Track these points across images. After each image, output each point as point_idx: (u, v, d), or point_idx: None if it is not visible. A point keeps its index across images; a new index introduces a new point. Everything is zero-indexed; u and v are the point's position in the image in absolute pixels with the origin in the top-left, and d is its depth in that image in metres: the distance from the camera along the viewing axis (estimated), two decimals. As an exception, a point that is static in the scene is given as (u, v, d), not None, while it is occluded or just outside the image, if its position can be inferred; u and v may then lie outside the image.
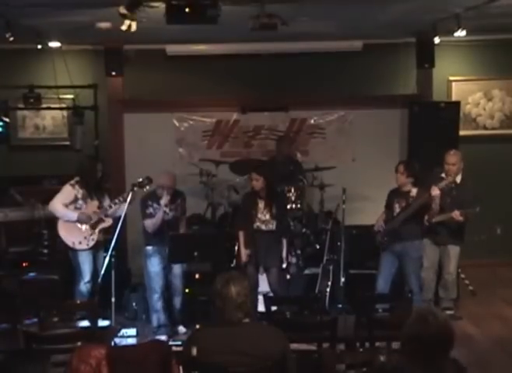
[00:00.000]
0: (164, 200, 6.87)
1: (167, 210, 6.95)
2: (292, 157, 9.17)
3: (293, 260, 7.91)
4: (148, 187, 6.99)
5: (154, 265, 6.99)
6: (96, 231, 7.06)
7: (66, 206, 7.00)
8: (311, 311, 6.24)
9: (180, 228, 7.17)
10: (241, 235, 7.05)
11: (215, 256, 7.07)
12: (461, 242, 7.42)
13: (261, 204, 6.98)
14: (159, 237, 6.90)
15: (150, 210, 6.95)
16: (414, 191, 6.89)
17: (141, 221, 7.13)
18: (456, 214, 7.02)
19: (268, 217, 6.97)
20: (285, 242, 7.07)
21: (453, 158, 7.26)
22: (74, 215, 6.99)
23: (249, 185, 7.09)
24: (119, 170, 9.24)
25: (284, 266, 7.05)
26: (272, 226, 6.98)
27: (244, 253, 7.01)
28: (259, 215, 6.97)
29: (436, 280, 7.46)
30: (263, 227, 6.98)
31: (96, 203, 7.10)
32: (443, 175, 7.31)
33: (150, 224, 6.94)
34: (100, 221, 7.09)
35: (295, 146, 9.53)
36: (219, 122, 9.66)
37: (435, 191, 6.80)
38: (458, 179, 7.25)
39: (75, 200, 7.03)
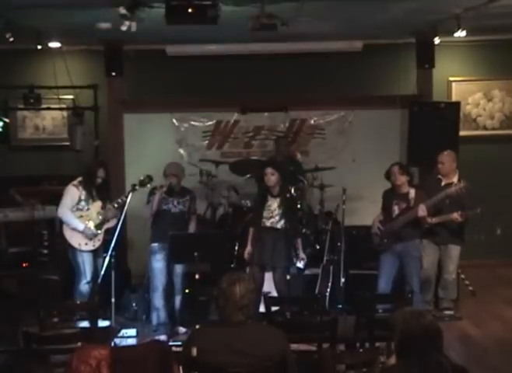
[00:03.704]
0: (165, 182, 6.92)
1: (175, 202, 7.00)
2: (292, 157, 9.17)
3: (293, 260, 7.90)
4: (149, 186, 7.01)
5: (158, 261, 7.01)
6: (102, 231, 7.07)
7: (72, 211, 7.03)
8: (311, 311, 6.24)
9: (189, 226, 7.19)
10: (251, 231, 7.05)
11: (215, 256, 7.07)
12: (461, 241, 7.42)
13: (271, 201, 6.97)
14: (165, 234, 6.90)
15: (153, 196, 6.99)
16: (412, 192, 6.88)
17: (142, 222, 7.16)
18: (456, 217, 7.02)
19: (276, 214, 6.96)
20: (299, 241, 7.06)
21: (442, 157, 7.30)
22: (81, 226, 7.00)
23: (264, 181, 7.02)
24: (119, 170, 9.24)
25: (301, 265, 7.04)
26: (279, 224, 6.97)
27: (247, 252, 7.01)
28: (267, 212, 6.95)
29: (435, 281, 7.46)
30: (268, 224, 6.97)
31: (99, 203, 7.11)
32: (439, 176, 7.33)
33: (146, 208, 6.99)
34: (105, 221, 7.10)
35: (295, 146, 9.53)
36: (219, 122, 9.66)
37: (422, 212, 6.75)
38: (455, 179, 7.25)
39: (79, 200, 7.04)
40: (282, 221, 6.94)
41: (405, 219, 6.84)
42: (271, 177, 6.92)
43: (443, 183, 7.28)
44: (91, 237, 7.01)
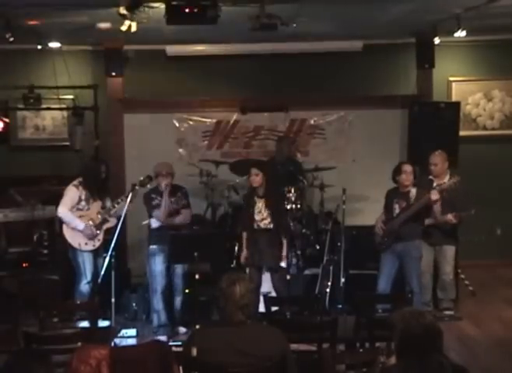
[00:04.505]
0: (164, 181, 6.88)
1: (171, 201, 6.98)
2: (292, 157, 9.17)
3: (293, 261, 7.90)
4: (149, 186, 7.02)
5: (157, 264, 6.99)
6: (102, 231, 7.07)
7: (72, 211, 7.03)
8: (311, 311, 6.24)
9: (179, 215, 7.09)
10: (244, 235, 7.06)
11: (215, 256, 7.07)
12: (455, 242, 7.44)
13: (260, 203, 6.98)
14: (163, 235, 6.90)
15: (156, 201, 6.98)
16: (413, 191, 6.89)
17: (142, 221, 7.17)
18: (450, 218, 7.03)
19: (266, 215, 6.96)
20: (285, 241, 7.04)
21: (435, 158, 7.31)
22: (81, 225, 7.00)
23: (248, 182, 7.07)
24: (119, 170, 9.23)
25: (283, 264, 7.01)
26: (272, 225, 6.97)
27: (243, 256, 7.02)
28: (257, 214, 6.96)
29: (433, 282, 7.47)
30: (261, 225, 6.97)
31: (99, 203, 7.11)
32: (430, 177, 7.33)
33: (159, 213, 6.95)
34: (105, 221, 7.10)
35: (295, 146, 9.53)
36: (219, 122, 9.66)
37: (435, 196, 6.78)
38: (446, 179, 7.25)
39: (79, 201, 7.04)
40: (272, 221, 6.96)
41: (406, 216, 6.83)
42: (256, 178, 6.93)
43: (434, 184, 7.28)
44: (91, 236, 7.01)
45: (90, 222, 7.03)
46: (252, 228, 6.97)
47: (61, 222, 7.17)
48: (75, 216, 7.02)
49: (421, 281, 7.02)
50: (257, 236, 6.96)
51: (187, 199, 7.20)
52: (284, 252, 6.99)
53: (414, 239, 6.91)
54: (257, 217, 6.95)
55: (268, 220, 6.96)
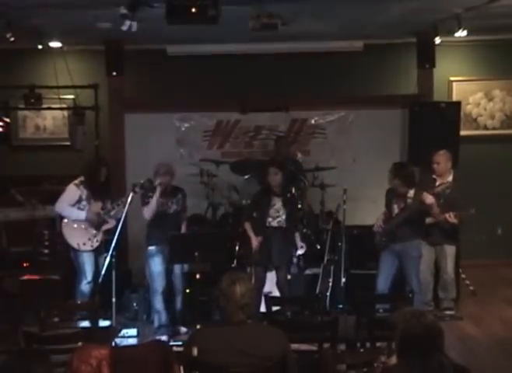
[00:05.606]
0: (160, 180, 6.85)
1: (169, 203, 6.98)
2: (293, 157, 9.17)
3: (294, 260, 7.90)
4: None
5: (156, 265, 6.98)
6: (100, 232, 7.07)
7: (71, 206, 7.02)
8: (312, 311, 6.24)
9: (181, 226, 7.17)
10: (248, 225, 7.03)
11: (215, 256, 7.07)
12: (456, 242, 7.43)
13: (276, 201, 6.96)
14: (162, 236, 6.89)
15: (149, 199, 6.97)
16: (411, 192, 6.87)
17: (142, 221, 7.16)
18: (451, 217, 7.02)
19: (282, 213, 6.95)
20: (297, 234, 7.16)
21: (438, 157, 7.33)
22: (82, 214, 6.99)
23: (268, 179, 7.00)
24: (119, 170, 9.24)
25: (301, 252, 7.11)
26: (285, 223, 6.96)
27: (255, 240, 6.95)
28: (272, 212, 6.95)
29: (433, 281, 7.46)
30: (274, 223, 6.96)
31: (99, 204, 7.10)
32: (434, 176, 7.33)
33: (146, 209, 6.93)
34: (104, 222, 7.09)
35: (295, 146, 9.53)
36: (220, 122, 9.66)
37: (428, 199, 6.77)
38: (450, 179, 7.24)
39: (79, 200, 7.03)
40: (287, 220, 6.96)
41: (402, 218, 6.83)
42: (275, 177, 6.92)
43: (437, 183, 7.28)
44: (96, 220, 6.98)
45: (93, 209, 7.00)
46: (264, 226, 6.95)
47: (61, 222, 7.16)
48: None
49: (421, 281, 7.02)
50: (271, 234, 6.94)
51: (185, 202, 7.20)
52: (299, 243, 7.10)
53: (413, 239, 6.89)
54: (273, 214, 6.94)
55: (283, 218, 6.94)
